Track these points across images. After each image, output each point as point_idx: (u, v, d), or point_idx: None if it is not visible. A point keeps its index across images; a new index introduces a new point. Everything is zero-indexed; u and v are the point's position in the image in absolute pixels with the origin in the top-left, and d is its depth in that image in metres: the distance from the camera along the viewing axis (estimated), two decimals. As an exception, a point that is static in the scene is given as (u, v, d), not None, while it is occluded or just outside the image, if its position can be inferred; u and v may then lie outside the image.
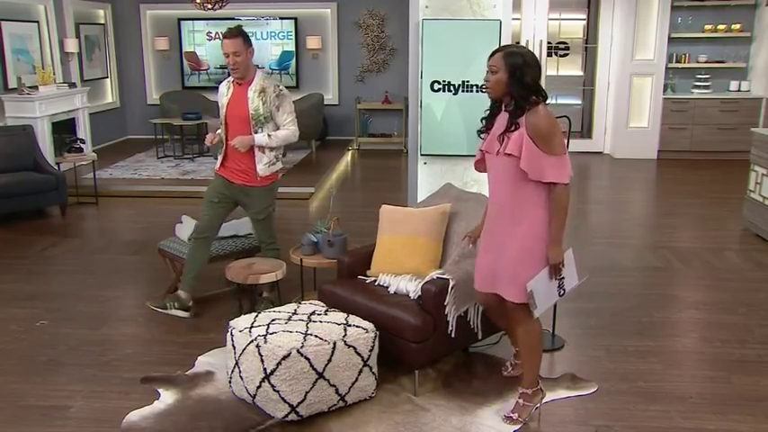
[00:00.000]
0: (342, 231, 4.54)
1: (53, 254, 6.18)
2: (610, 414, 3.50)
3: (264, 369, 3.30)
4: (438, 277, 3.62)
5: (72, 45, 9.61)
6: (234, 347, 3.49)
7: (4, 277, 5.48)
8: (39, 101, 8.30)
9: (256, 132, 4.35)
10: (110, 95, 11.27)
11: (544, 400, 3.47)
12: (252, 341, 3.37)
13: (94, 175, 7.88)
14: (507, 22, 4.71)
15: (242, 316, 3.70)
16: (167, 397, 3.63)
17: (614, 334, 4.41)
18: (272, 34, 11.23)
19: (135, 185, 8.31)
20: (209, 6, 8.80)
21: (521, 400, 3.40)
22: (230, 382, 3.59)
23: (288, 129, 4.40)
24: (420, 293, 3.62)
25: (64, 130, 9.00)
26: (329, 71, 11.26)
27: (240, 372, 3.46)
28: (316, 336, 3.36)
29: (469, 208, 4.00)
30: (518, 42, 10.02)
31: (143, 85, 11.60)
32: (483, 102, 4.62)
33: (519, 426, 3.34)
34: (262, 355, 3.30)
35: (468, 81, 4.70)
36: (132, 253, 6.11)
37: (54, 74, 9.08)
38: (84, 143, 8.24)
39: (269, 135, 4.35)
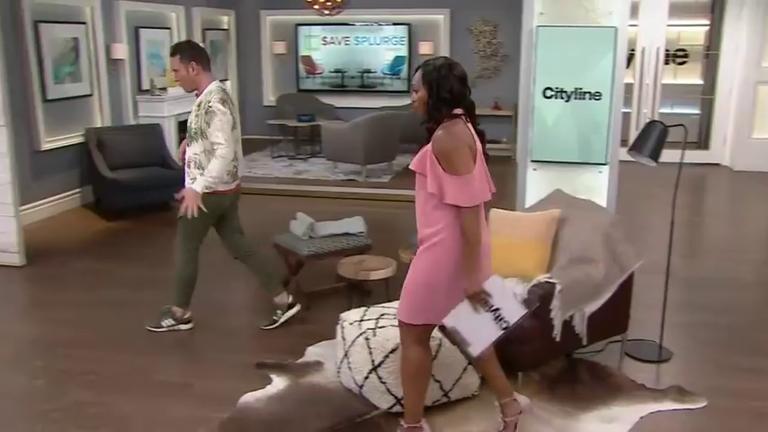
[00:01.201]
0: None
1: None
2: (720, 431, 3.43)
3: (372, 361, 3.44)
4: (545, 281, 3.66)
5: (198, 49, 10.17)
6: (344, 339, 3.66)
7: (134, 264, 5.90)
8: (167, 101, 8.85)
9: (189, 146, 4.25)
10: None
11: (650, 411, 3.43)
12: (361, 334, 3.52)
13: (215, 172, 8.33)
14: (623, 30, 4.67)
15: (352, 310, 3.87)
16: (279, 382, 3.84)
17: (727, 349, 4.28)
18: (385, 39, 11.47)
19: (250, 183, 8.67)
20: (327, 12, 9.11)
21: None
22: (339, 372, 3.76)
23: (217, 154, 4.09)
24: (527, 296, 3.66)
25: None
26: (440, 76, 11.36)
27: (349, 363, 3.62)
28: (423, 332, 3.47)
29: (579, 214, 4.01)
30: (633, 50, 9.81)
31: (260, 87, 12.11)
32: (596, 109, 4.66)
33: None
34: (370, 348, 3.45)
35: (580, 88, 4.69)
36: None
37: (181, 76, 9.65)
38: (206, 142, 8.71)
39: (205, 176, 4.12)
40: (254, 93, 12.12)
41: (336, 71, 11.68)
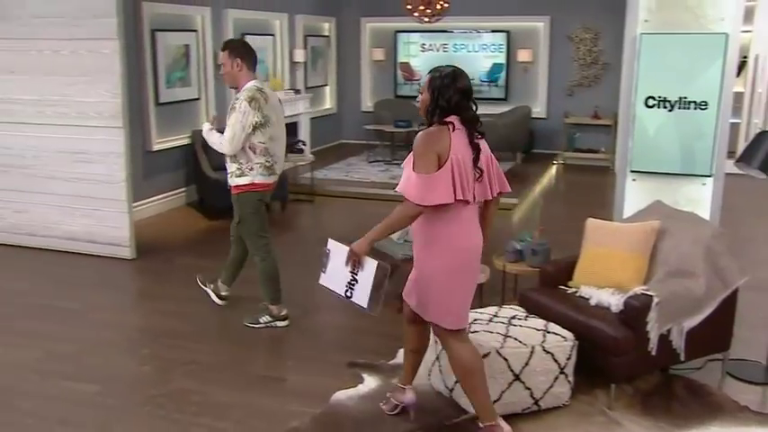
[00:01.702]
0: (546, 241, 4.61)
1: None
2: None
3: (463, 365, 3.46)
4: (642, 293, 3.58)
5: (300, 55, 10.48)
6: (436, 342, 3.70)
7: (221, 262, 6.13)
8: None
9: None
10: (328, 102, 12.10)
11: None
12: (453, 337, 3.55)
13: (312, 175, 8.55)
14: (735, 36, 4.50)
15: (444, 313, 3.90)
16: (370, 382, 3.92)
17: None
18: (484, 47, 11.44)
19: (347, 186, 8.88)
20: (427, 19, 9.19)
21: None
22: (429, 374, 3.80)
23: (224, 136, 4.38)
24: (622, 308, 3.60)
25: (287, 132, 9.81)
26: (538, 84, 11.25)
27: (440, 366, 3.66)
28: (515, 338, 3.47)
29: (680, 226, 3.90)
30: (745, 57, 9.40)
31: (358, 92, 12.33)
32: (701, 119, 4.51)
33: None
34: (462, 352, 3.47)
35: (685, 98, 4.55)
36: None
37: (283, 81, 9.98)
38: (304, 145, 8.96)
39: (209, 129, 4.52)
40: (353, 98, 12.34)
41: (433, 78, 11.74)
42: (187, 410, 3.65)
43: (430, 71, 3.14)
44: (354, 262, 3.18)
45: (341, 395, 3.78)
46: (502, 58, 11.34)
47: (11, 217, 6.39)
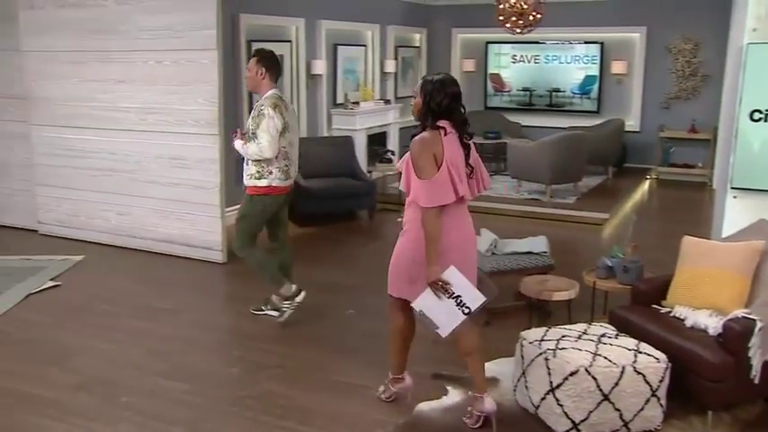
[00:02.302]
0: (638, 258, 4.47)
1: (361, 253, 6.89)
2: None
3: (551, 382, 3.40)
4: (743, 316, 3.42)
5: (390, 66, 10.58)
6: (522, 358, 3.64)
7: (321, 268, 6.23)
8: (359, 115, 9.29)
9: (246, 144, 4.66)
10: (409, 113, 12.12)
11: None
12: (541, 354, 3.49)
13: (400, 184, 8.56)
14: None
15: (532, 329, 3.84)
16: (454, 395, 3.89)
17: None
18: (576, 58, 11.23)
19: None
20: (519, 31, 9.09)
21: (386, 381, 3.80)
22: (515, 390, 3.74)
23: (257, 143, 4.55)
24: (721, 331, 3.44)
25: (376, 141, 9.94)
26: (632, 97, 10.93)
27: (526, 382, 3.59)
28: (605, 357, 3.37)
29: (787, 248, 3.70)
30: None
31: (448, 104, 12.29)
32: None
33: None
34: (549, 369, 3.41)
35: (795, 111, 4.33)
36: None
37: (373, 91, 10.09)
38: (393, 155, 9.02)
39: (243, 144, 4.64)
40: (441, 109, 12.31)
41: (524, 89, 11.61)
42: (273, 413, 3.72)
43: (423, 77, 3.42)
44: (442, 288, 3.30)
45: (424, 406, 3.76)
46: (595, 70, 11.09)
47: (114, 219, 6.71)
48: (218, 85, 5.97)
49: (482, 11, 10.50)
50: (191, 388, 3.99)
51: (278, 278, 4.84)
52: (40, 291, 5.52)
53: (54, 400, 3.84)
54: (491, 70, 11.82)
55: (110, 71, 6.48)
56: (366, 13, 9.95)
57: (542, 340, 3.58)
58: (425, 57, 12.06)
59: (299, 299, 4.84)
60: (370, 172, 8.91)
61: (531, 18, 8.86)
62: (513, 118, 11.40)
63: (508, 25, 9.01)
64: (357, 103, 9.52)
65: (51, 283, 5.66)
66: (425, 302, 3.33)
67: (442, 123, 3.29)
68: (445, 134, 3.28)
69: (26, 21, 6.83)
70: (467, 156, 3.36)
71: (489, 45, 11.71)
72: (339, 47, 9.40)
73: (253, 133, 4.60)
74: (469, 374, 3.63)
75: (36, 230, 7.21)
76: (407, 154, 3.37)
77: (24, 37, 6.87)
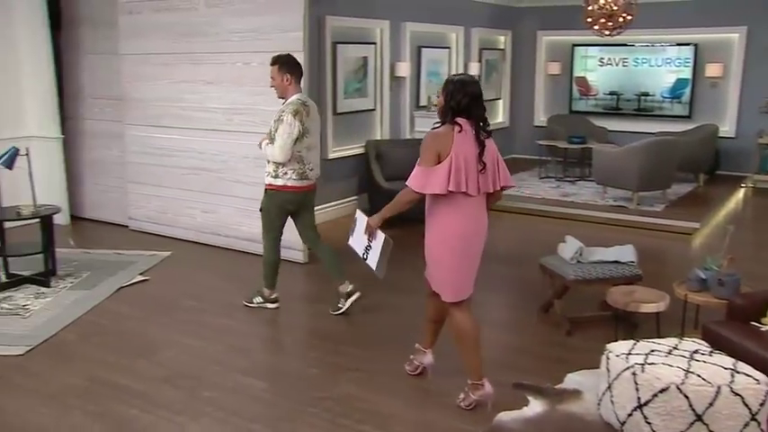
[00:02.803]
0: (735, 272, 4.25)
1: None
2: None
3: (638, 398, 3.25)
4: None
5: (474, 68, 10.46)
6: (608, 371, 3.50)
7: (399, 270, 6.16)
8: (441, 118, 9.22)
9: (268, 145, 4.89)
10: (500, 115, 11.99)
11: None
12: (628, 368, 3.35)
13: (482, 188, 8.44)
14: None
15: (619, 341, 3.70)
16: (536, 406, 3.78)
17: None
18: (668, 61, 10.82)
19: (516, 202, 8.71)
20: (607, 33, 8.83)
21: (465, 389, 3.84)
22: (599, 404, 3.61)
23: (275, 145, 4.79)
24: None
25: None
26: (728, 101, 10.45)
27: (611, 396, 3.46)
28: (698, 375, 3.21)
29: None
30: None
31: (532, 107, 12.10)
32: None
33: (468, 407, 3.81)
34: (637, 384, 3.27)
35: None
36: (509, 264, 6.44)
37: (456, 94, 9.99)
38: (475, 159, 8.89)
39: (266, 144, 4.88)
40: (526, 113, 12.13)
41: (611, 93, 11.29)
42: (351, 416, 3.71)
43: (447, 78, 3.67)
44: (370, 232, 3.84)
45: (505, 416, 3.67)
46: (687, 73, 10.66)
47: (200, 216, 6.89)
48: (305, 87, 6.02)
49: (569, 12, 10.27)
50: (270, 386, 4.04)
51: (271, 281, 5.21)
52: (131, 284, 5.72)
53: (142, 392, 3.95)
54: (577, 73, 11.54)
55: (199, 72, 6.66)
56: (451, 15, 9.88)
57: (630, 354, 3.44)
58: (509, 59, 11.89)
59: (353, 298, 5.10)
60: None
61: (620, 20, 8.60)
62: (599, 122, 11.09)
63: (596, 27, 8.77)
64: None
65: (140, 278, 5.86)
66: (358, 222, 4.01)
67: (459, 120, 3.53)
68: (460, 131, 3.51)
69: (125, 25, 7.10)
70: (481, 152, 3.55)
71: (575, 47, 11.44)
72: (423, 49, 9.37)
73: (272, 135, 4.83)
74: (464, 362, 3.86)
75: (127, 226, 7.48)
76: None
77: (123, 41, 7.14)
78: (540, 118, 11.95)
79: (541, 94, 12.02)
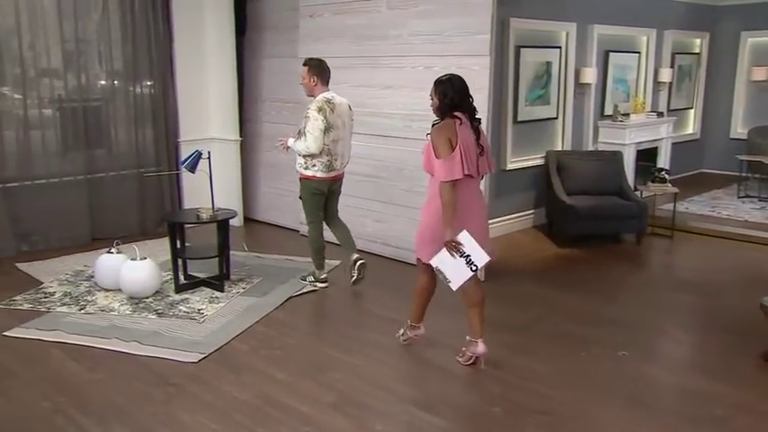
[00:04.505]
0: None
1: (627, 282, 6.18)
2: None
3: None
4: None
5: (666, 75, 9.57)
6: None
7: (586, 297, 5.62)
8: (629, 128, 8.47)
9: (297, 141, 5.47)
10: (691, 126, 10.93)
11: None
12: None
13: (674, 207, 7.60)
14: None
15: None
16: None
17: None
18: None
19: (712, 224, 7.81)
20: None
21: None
22: None
23: (304, 141, 5.35)
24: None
25: (645, 158, 9.02)
26: None
27: None
28: None
29: None
30: None
31: (729, 117, 10.92)
32: None
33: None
34: None
35: None
36: (705, 295, 5.68)
37: (644, 102, 9.16)
38: (668, 174, 8.06)
39: (295, 141, 5.47)
40: (721, 123, 10.97)
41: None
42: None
43: (435, 81, 4.11)
44: (455, 247, 3.97)
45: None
46: None
47: (371, 225, 6.66)
48: (488, 93, 5.62)
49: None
50: (449, 426, 3.65)
51: (319, 262, 5.72)
52: (300, 294, 5.57)
53: (310, 417, 3.69)
54: (789, 80, 10.26)
55: (378, 76, 6.44)
56: (642, 16, 9.04)
57: None
58: (705, 64, 10.79)
59: (359, 263, 5.70)
60: (636, 190, 8.05)
61: None
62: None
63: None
64: (627, 114, 8.70)
65: (310, 287, 5.70)
66: (441, 260, 4.02)
67: (458, 114, 4.00)
68: (460, 123, 3.98)
69: (305, 28, 7.03)
70: (477, 137, 4.05)
71: (787, 51, 10.18)
72: (611, 53, 8.64)
73: (303, 132, 5.37)
74: (469, 321, 4.27)
75: (298, 231, 7.42)
76: (429, 140, 4.05)
77: (302, 44, 7.08)
78: (738, 129, 10.76)
79: (741, 102, 10.81)
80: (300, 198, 5.68)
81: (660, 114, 9.37)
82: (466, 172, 3.94)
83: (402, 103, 6.18)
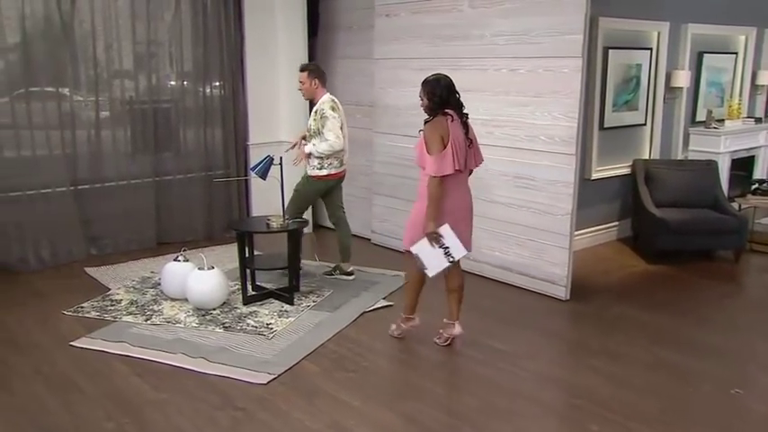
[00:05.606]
0: None
1: (724, 305, 5.63)
2: None
3: None
4: None
5: (765, 77, 8.88)
6: None
7: (680, 319, 5.14)
8: (724, 136, 7.87)
9: (307, 142, 5.61)
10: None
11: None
12: None
13: (776, 222, 7.03)
14: None
15: None
16: None
17: None
18: None
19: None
20: None
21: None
22: None
23: (326, 140, 5.46)
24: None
25: (739, 167, 8.39)
26: None
27: None
28: None
29: None
30: None
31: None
32: None
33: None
34: None
35: None
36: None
37: (741, 107, 8.53)
38: (769, 186, 7.45)
39: (313, 144, 5.53)
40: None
41: None
42: None
43: (424, 81, 4.30)
44: (435, 238, 4.18)
45: None
46: None
47: (447, 237, 6.29)
48: (579, 98, 5.20)
49: None
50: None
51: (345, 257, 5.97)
52: (373, 309, 5.26)
53: (388, 454, 3.37)
54: None
55: (458, 79, 5.94)
56: (741, 13, 8.35)
57: None
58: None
59: (350, 278, 5.89)
60: (732, 201, 7.46)
61: None
62: None
63: None
64: (721, 121, 8.09)
65: (383, 303, 5.38)
66: (421, 248, 4.22)
67: (448, 111, 4.19)
68: (452, 120, 4.18)
69: (380, 29, 6.73)
70: (466, 132, 4.27)
71: None
72: (705, 55, 8.04)
73: (318, 133, 5.48)
74: (448, 305, 4.56)
75: (369, 239, 7.13)
76: (420, 139, 4.24)
77: (377, 45, 6.79)
78: None
79: None
80: (296, 190, 5.75)
81: (758, 120, 8.70)
82: (456, 167, 4.15)
83: (484, 108, 5.77)
